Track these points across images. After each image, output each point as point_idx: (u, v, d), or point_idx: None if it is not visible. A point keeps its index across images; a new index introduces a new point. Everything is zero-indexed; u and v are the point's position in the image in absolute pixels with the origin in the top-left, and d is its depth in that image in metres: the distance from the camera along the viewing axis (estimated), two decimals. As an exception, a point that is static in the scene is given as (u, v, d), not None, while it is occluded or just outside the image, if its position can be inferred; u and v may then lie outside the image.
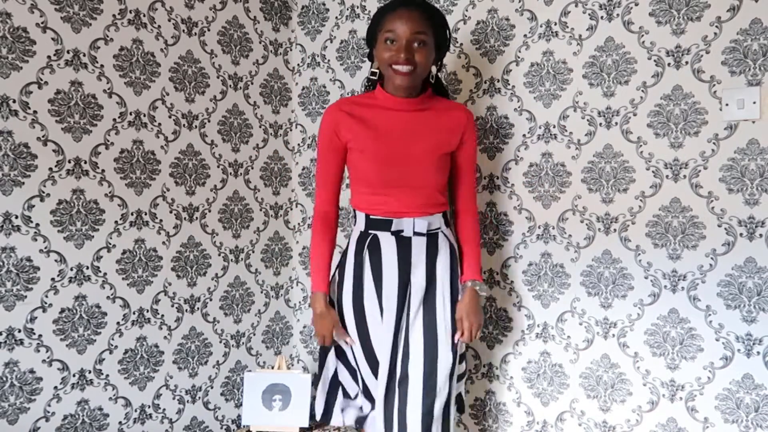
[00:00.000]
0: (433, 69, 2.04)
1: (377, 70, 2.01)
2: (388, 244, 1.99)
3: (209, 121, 2.61)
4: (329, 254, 2.09)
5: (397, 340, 1.97)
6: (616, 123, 2.11)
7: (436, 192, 2.02)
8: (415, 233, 1.99)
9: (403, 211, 1.99)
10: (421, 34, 1.88)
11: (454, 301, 2.02)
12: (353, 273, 2.02)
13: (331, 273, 2.10)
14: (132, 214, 2.35)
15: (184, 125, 2.52)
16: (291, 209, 3.00)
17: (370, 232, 2.01)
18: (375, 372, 2.00)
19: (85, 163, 2.21)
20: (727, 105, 1.91)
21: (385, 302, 1.97)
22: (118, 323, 2.32)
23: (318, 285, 2.06)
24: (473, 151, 2.10)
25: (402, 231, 1.98)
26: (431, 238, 2.01)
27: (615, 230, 2.12)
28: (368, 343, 2.00)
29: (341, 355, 2.10)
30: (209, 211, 2.62)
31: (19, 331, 2.07)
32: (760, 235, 1.88)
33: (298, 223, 2.98)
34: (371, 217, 2.01)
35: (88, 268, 2.23)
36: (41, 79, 2.10)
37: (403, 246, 1.99)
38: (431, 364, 1.94)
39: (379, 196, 2.00)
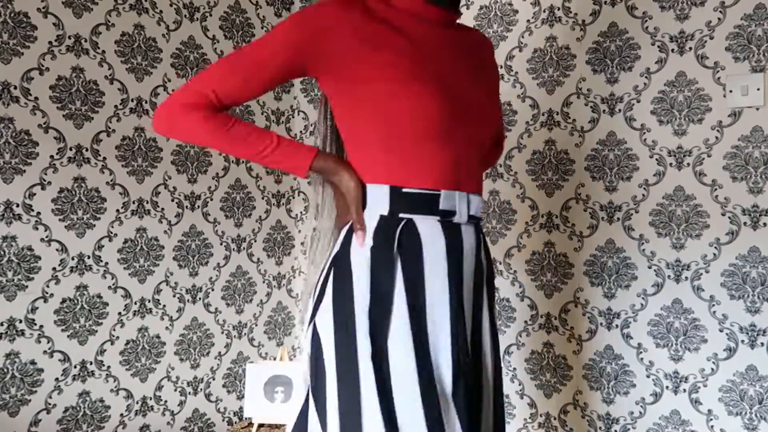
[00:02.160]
0: None
1: None
2: (430, 237, 1.32)
3: (211, 108, 2.72)
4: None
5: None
6: (620, 110, 2.21)
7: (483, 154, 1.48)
8: (470, 217, 1.39)
9: (456, 179, 1.36)
10: None
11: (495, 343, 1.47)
12: (370, 287, 1.29)
13: (314, 292, 1.39)
14: (133, 202, 2.47)
15: (185, 112, 2.63)
16: (293, 197, 3.11)
17: (400, 216, 1.32)
18: None
19: (87, 150, 2.32)
20: (731, 91, 2.01)
21: (435, 344, 1.30)
22: (119, 314, 2.43)
23: (302, 148, 1.34)
24: None
25: (452, 215, 1.34)
26: (477, 229, 1.44)
27: (618, 219, 2.23)
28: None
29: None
30: (211, 200, 2.74)
31: (20, 321, 2.17)
32: (764, 224, 1.98)
33: (301, 212, 3.10)
34: (404, 190, 1.32)
35: (89, 257, 2.34)
36: (42, 65, 2.21)
37: (454, 241, 1.35)
38: None
39: (429, 149, 1.33)
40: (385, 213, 1.31)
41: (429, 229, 1.31)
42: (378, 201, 1.32)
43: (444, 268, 1.31)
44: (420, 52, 1.34)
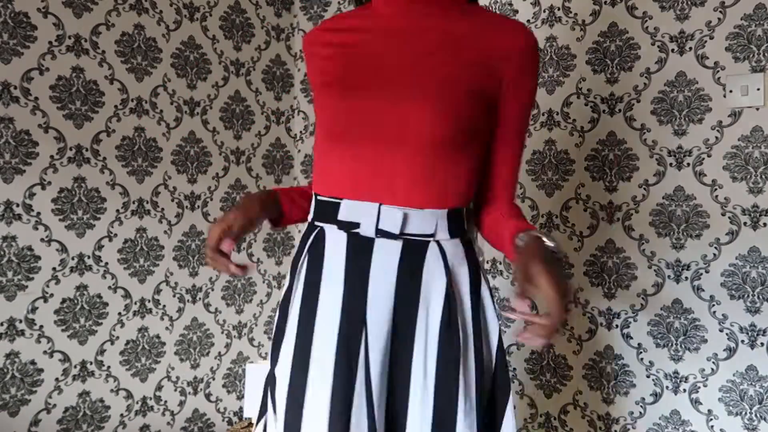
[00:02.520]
0: None
1: None
2: (333, 247, 1.30)
3: (211, 108, 2.74)
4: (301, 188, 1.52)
5: None
6: (620, 110, 2.22)
7: (441, 159, 1.27)
8: (380, 232, 1.26)
9: (368, 189, 1.28)
10: None
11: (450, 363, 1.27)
12: (286, 289, 1.38)
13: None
14: (133, 202, 2.48)
15: (185, 112, 2.65)
16: (295, 198, 3.11)
17: (315, 224, 1.35)
18: None
19: (87, 150, 2.34)
20: (731, 91, 2.01)
21: (315, 362, 1.26)
22: (119, 314, 2.44)
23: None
24: (528, 101, 1.37)
25: (357, 226, 1.28)
26: (411, 248, 1.28)
27: (618, 219, 2.23)
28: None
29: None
30: (211, 200, 2.75)
31: (20, 321, 2.18)
32: (764, 224, 1.98)
33: (301, 212, 3.10)
34: (319, 197, 1.34)
35: (89, 257, 2.35)
36: (42, 65, 2.22)
37: (359, 255, 1.28)
38: None
39: (333, 152, 1.31)
40: (309, 220, 1.37)
41: (334, 238, 1.30)
42: (311, 208, 1.37)
43: (339, 280, 1.27)
44: (349, 51, 1.32)
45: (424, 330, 1.26)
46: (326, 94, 1.31)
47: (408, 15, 1.31)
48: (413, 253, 1.27)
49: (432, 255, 1.27)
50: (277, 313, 1.37)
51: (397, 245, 1.26)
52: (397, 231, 1.24)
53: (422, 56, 1.27)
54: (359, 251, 1.26)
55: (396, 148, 1.25)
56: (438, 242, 1.28)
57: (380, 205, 1.25)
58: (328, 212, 1.30)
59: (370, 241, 1.26)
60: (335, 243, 1.29)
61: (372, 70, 1.28)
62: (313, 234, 1.32)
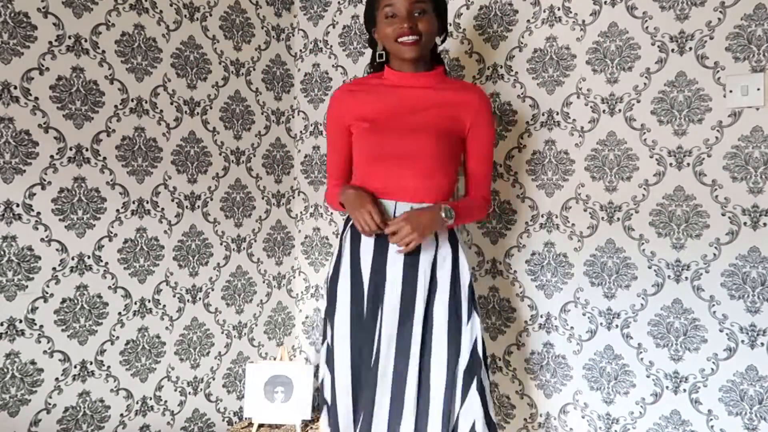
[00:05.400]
0: (438, 40, 2.06)
1: (383, 52, 2.05)
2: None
3: (211, 108, 2.74)
4: None
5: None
6: (620, 110, 2.22)
7: (436, 171, 1.94)
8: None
9: (389, 191, 1.95)
10: (421, 3, 1.93)
11: (455, 320, 1.93)
12: (334, 267, 2.03)
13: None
14: (133, 202, 2.47)
15: (185, 112, 2.64)
16: (293, 197, 3.12)
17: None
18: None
19: (87, 150, 2.33)
20: (731, 92, 2.01)
21: (360, 308, 1.96)
22: (119, 314, 2.43)
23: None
24: (487, 136, 2.05)
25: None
26: None
27: (618, 219, 2.23)
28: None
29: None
30: (211, 200, 2.75)
31: (20, 321, 2.17)
32: (764, 224, 1.98)
33: (301, 212, 3.11)
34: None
35: (89, 257, 2.34)
36: (42, 65, 2.21)
37: (382, 239, 1.93)
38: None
39: (371, 169, 1.96)
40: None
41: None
42: None
43: (370, 256, 1.96)
44: (378, 106, 1.99)
45: (423, 288, 1.92)
46: (365, 131, 1.98)
47: (411, 83, 2.00)
48: None
49: (431, 237, 1.95)
50: (346, 278, 1.99)
51: None
52: None
53: (420, 110, 1.97)
54: (382, 237, 1.91)
55: (411, 161, 1.92)
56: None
57: (396, 202, 1.93)
58: None
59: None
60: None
61: (396, 118, 1.97)
62: (352, 223, 2.00)
